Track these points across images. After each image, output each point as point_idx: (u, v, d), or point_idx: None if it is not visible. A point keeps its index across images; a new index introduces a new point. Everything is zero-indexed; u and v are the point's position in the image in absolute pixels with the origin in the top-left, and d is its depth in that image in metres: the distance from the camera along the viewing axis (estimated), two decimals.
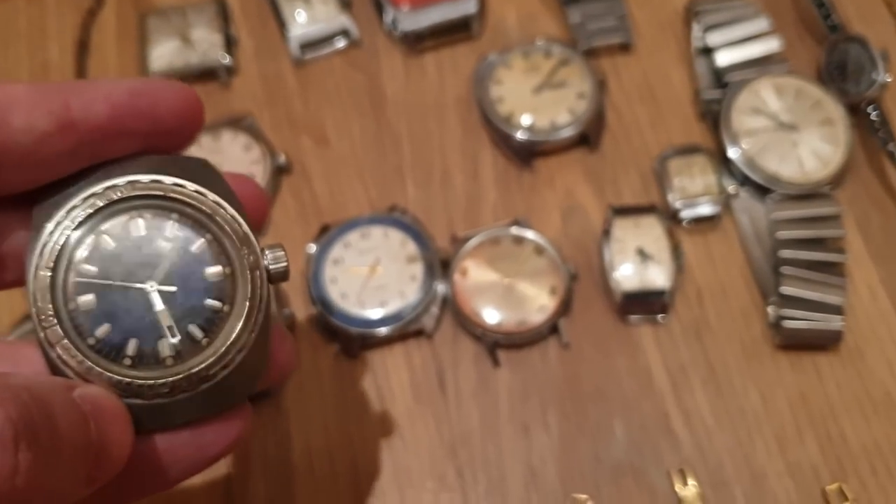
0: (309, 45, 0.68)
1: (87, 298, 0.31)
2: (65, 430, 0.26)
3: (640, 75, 0.65)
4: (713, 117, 0.62)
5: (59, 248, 0.31)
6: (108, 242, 0.31)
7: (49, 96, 0.30)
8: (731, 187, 0.60)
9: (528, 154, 0.62)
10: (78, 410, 0.27)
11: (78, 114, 0.30)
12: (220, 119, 0.66)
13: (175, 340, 0.32)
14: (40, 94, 0.30)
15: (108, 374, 0.31)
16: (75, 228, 0.31)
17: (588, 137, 0.63)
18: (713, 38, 0.63)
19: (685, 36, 0.66)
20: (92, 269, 0.31)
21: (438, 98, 0.66)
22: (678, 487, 0.52)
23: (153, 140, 0.33)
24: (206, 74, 0.68)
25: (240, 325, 0.32)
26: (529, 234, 0.59)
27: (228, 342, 0.32)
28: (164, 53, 0.69)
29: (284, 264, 0.34)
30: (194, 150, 0.64)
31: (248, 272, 0.33)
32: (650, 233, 0.58)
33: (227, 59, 0.68)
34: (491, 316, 0.57)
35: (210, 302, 0.32)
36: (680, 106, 0.64)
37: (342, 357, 0.58)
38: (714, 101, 0.62)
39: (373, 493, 0.54)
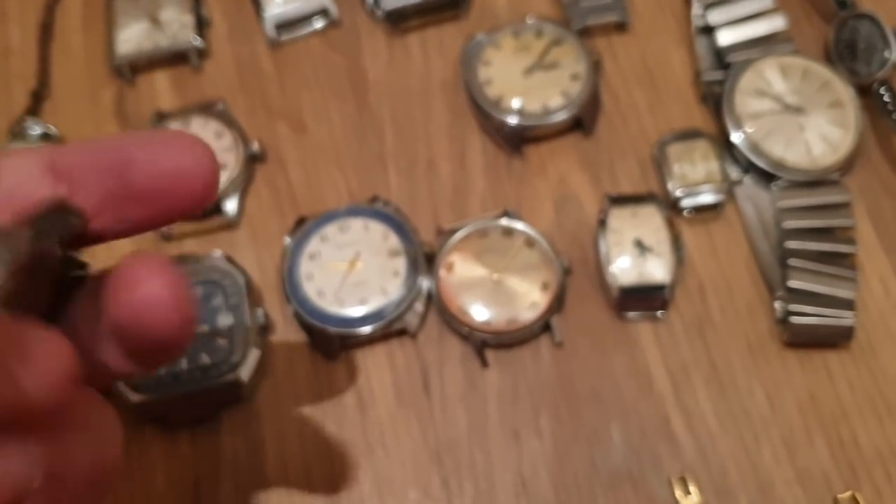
0: (285, 25, 0.64)
1: None
2: None
3: (638, 56, 0.62)
4: (715, 100, 0.58)
5: None
6: None
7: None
8: (734, 174, 0.57)
9: (518, 140, 0.59)
10: None
11: None
12: (191, 105, 0.62)
13: None
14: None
15: None
16: None
17: (582, 122, 0.59)
18: (714, 16, 0.60)
19: (685, 14, 0.62)
20: None
21: (423, 81, 0.62)
22: (679, 496, 0.49)
23: None
24: (177, 58, 0.64)
25: None
26: (520, 226, 0.55)
27: None
28: (132, 36, 0.65)
29: None
30: None
31: None
32: (649, 223, 0.55)
33: (198, 42, 0.64)
34: (479, 313, 0.53)
35: None
36: (680, 88, 0.60)
37: (320, 358, 0.54)
38: (716, 83, 0.58)
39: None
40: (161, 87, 0.64)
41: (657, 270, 0.54)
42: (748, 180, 0.57)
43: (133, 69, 0.64)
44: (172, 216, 0.31)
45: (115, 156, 0.30)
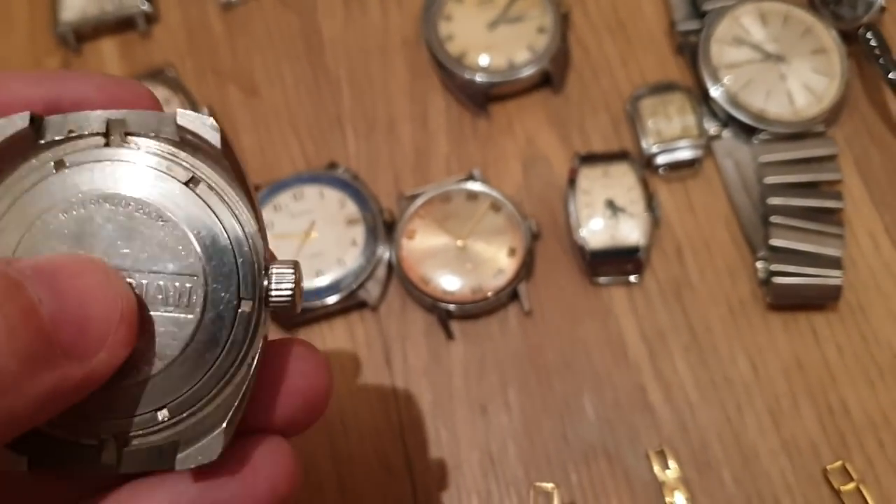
0: None
1: None
2: None
3: (609, 6, 0.58)
4: (691, 51, 0.55)
5: None
6: None
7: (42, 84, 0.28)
8: (712, 128, 0.53)
9: (483, 98, 0.56)
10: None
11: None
12: (139, 72, 0.59)
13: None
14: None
15: None
16: None
17: (551, 77, 0.56)
18: None
19: None
20: None
21: (382, 39, 0.59)
22: (658, 471, 0.47)
23: None
24: (123, 24, 0.61)
25: None
26: (485, 189, 0.52)
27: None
28: (77, 3, 0.62)
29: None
30: None
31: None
32: (621, 182, 0.52)
33: (145, 6, 0.61)
34: (443, 282, 0.50)
35: None
36: (653, 39, 0.57)
37: (274, 333, 0.51)
38: (691, 33, 0.55)
39: (309, 485, 0.48)
40: (108, 55, 0.61)
41: (630, 232, 0.50)
42: (727, 134, 0.53)
43: (78, 37, 0.61)
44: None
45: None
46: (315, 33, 0.59)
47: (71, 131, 0.27)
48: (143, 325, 0.25)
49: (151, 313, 0.26)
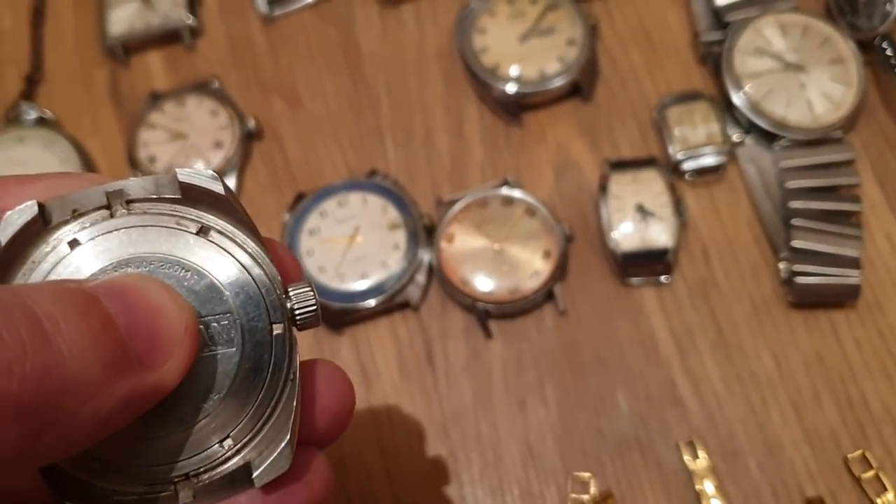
0: (277, 0, 0.63)
1: None
2: (64, 322, 0.23)
3: (635, 18, 0.61)
4: (714, 61, 0.57)
5: None
6: None
7: None
8: (735, 135, 0.56)
9: (516, 108, 0.58)
10: (79, 299, 0.24)
11: None
12: (185, 84, 0.62)
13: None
14: None
15: None
16: None
17: (580, 87, 0.58)
18: None
19: None
20: None
21: (418, 51, 0.61)
22: (688, 460, 0.49)
23: None
24: (169, 37, 0.64)
25: None
26: (520, 195, 0.55)
27: None
28: (124, 16, 0.64)
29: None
30: (157, 118, 0.59)
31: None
32: (650, 188, 0.54)
33: (190, 20, 0.63)
34: (481, 284, 0.53)
35: None
36: (678, 50, 0.59)
37: (323, 333, 0.54)
38: (715, 44, 0.58)
39: (358, 478, 0.51)
40: (154, 67, 0.64)
41: (660, 235, 0.53)
42: (750, 141, 0.56)
43: (126, 50, 0.64)
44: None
45: None
46: (354, 46, 0.62)
47: (74, 210, 0.27)
48: (195, 367, 0.27)
49: (200, 355, 0.27)
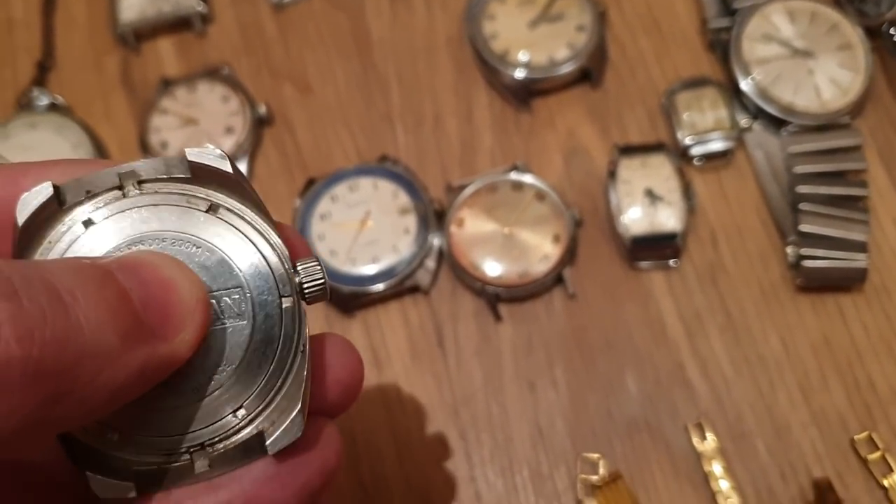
0: None
1: None
2: (81, 296, 0.24)
3: (644, 5, 0.61)
4: (722, 47, 0.58)
5: None
6: None
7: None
8: (743, 121, 0.56)
9: (525, 93, 0.58)
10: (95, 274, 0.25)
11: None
12: (196, 70, 0.62)
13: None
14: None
15: None
16: None
17: (589, 73, 0.58)
18: None
19: None
20: None
21: (428, 38, 0.62)
22: (696, 442, 0.50)
23: None
24: (180, 24, 0.64)
25: None
26: (529, 179, 0.55)
27: None
28: (135, 3, 0.64)
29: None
30: (168, 103, 0.60)
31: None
32: (659, 172, 0.55)
33: (201, 7, 0.64)
34: (491, 268, 0.53)
35: None
36: (686, 36, 0.60)
37: (334, 316, 0.55)
38: (723, 30, 0.58)
39: (370, 460, 0.51)
40: (166, 54, 0.64)
41: (669, 219, 0.54)
42: (757, 126, 0.56)
43: (137, 36, 0.64)
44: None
45: None
46: (364, 33, 0.62)
47: (88, 191, 0.28)
48: (208, 339, 0.28)
49: (212, 329, 0.28)
